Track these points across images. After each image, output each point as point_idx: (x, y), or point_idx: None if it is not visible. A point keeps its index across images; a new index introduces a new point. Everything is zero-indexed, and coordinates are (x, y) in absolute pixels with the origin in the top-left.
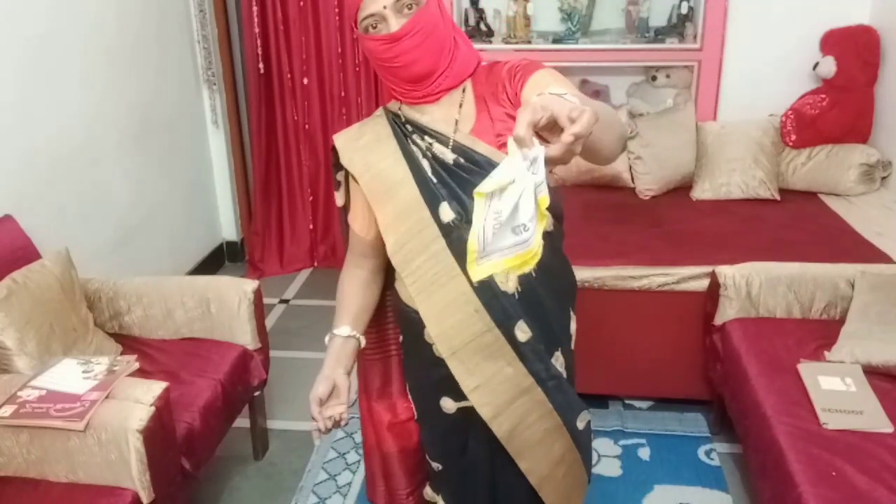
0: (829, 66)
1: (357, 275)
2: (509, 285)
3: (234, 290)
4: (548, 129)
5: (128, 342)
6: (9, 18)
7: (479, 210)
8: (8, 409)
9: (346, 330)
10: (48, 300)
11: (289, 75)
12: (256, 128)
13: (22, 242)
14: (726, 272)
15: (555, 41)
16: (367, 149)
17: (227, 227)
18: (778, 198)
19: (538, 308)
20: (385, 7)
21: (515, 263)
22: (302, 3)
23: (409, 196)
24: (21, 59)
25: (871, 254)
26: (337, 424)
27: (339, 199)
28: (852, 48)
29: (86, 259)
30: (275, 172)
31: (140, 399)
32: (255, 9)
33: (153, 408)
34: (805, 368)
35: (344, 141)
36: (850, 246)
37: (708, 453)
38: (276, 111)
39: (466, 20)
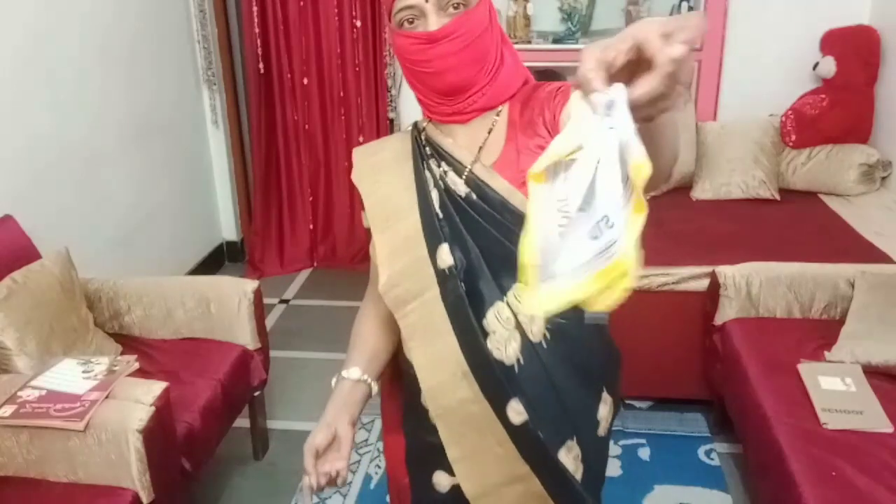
0: (829, 66)
1: (375, 312)
2: (508, 353)
3: (234, 290)
4: (628, 73)
5: (128, 342)
6: (8, 19)
7: (536, 203)
8: (8, 409)
9: (356, 373)
10: (48, 300)
11: (289, 75)
12: (256, 128)
13: (22, 242)
14: (726, 272)
15: (555, 41)
16: (379, 166)
17: (227, 227)
18: (778, 198)
19: (544, 386)
20: (427, 0)
21: (598, 287)
22: (302, 3)
23: (410, 230)
24: (21, 59)
25: (871, 254)
26: (333, 482)
27: (365, 219)
28: (852, 48)
29: (86, 259)
30: (275, 172)
31: (140, 399)
32: (255, 9)
33: (153, 408)
34: (805, 368)
35: (360, 155)
36: (850, 246)
37: (708, 453)
38: (276, 111)
39: None
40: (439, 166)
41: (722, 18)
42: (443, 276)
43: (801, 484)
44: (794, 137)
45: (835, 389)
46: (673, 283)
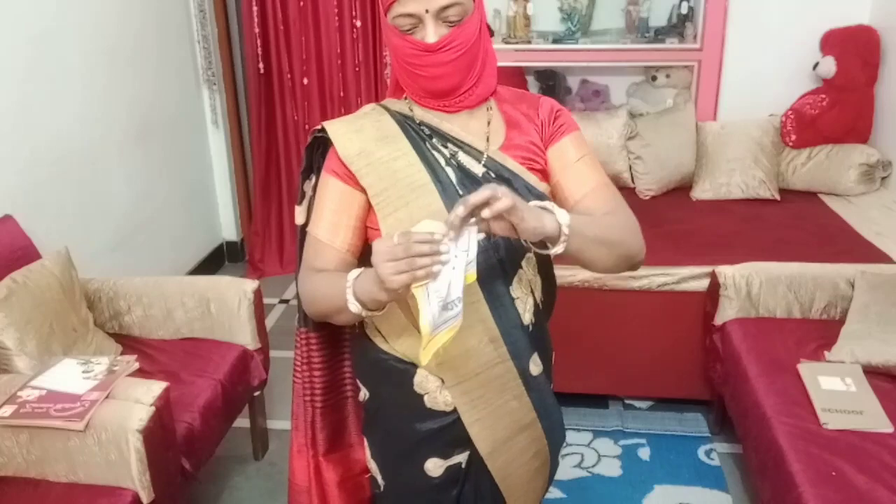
0: (829, 66)
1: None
2: (526, 315)
3: (234, 290)
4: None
5: (128, 342)
6: (9, 19)
7: (421, 297)
8: (8, 409)
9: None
10: (48, 300)
11: (289, 75)
12: (256, 128)
13: (22, 242)
14: (726, 272)
15: (555, 41)
16: (373, 143)
17: (227, 227)
18: (778, 198)
19: (544, 339)
20: (427, 11)
21: (447, 339)
22: (302, 3)
23: (432, 206)
24: (21, 60)
25: (871, 254)
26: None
27: (300, 215)
28: (852, 48)
29: (86, 259)
30: (275, 172)
31: (140, 399)
32: (255, 9)
33: (153, 408)
34: (805, 368)
35: (342, 130)
36: (850, 246)
37: (708, 453)
38: (276, 111)
39: None
40: (446, 147)
41: (722, 18)
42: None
43: (801, 484)
44: (794, 137)
45: (835, 389)
46: (673, 283)
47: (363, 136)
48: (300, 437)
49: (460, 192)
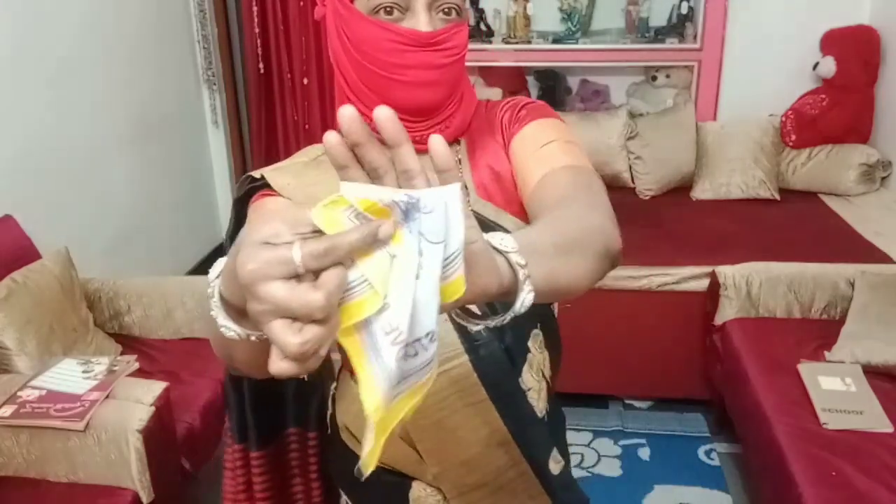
0: (829, 66)
1: None
2: (540, 406)
3: None
4: None
5: (128, 342)
6: (8, 18)
7: (359, 344)
8: (8, 409)
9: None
10: (48, 300)
11: (289, 75)
12: (256, 128)
13: (22, 242)
14: (726, 272)
15: (555, 41)
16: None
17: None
18: (778, 198)
19: (559, 424)
20: None
21: (409, 407)
22: (302, 3)
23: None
24: (21, 59)
25: (871, 254)
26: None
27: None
28: (852, 48)
29: (86, 259)
30: None
31: (140, 399)
32: (255, 9)
33: (153, 408)
34: (805, 368)
35: (293, 183)
36: (850, 246)
37: (708, 453)
38: (276, 111)
39: None
40: None
41: (722, 18)
42: (473, 340)
43: (801, 484)
44: (794, 137)
45: (835, 389)
46: (673, 283)
47: (323, 192)
48: None
49: None
